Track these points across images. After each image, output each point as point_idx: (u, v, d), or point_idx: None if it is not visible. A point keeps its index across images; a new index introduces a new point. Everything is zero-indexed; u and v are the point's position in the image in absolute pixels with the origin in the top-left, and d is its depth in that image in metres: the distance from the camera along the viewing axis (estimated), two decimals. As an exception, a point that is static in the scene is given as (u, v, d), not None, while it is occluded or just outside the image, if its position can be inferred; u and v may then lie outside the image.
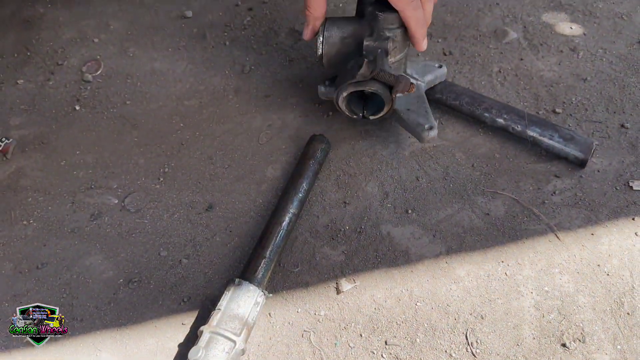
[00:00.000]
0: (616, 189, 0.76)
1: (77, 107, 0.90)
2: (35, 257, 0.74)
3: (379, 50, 0.74)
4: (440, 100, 0.84)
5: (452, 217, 0.75)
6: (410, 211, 0.76)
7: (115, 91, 0.92)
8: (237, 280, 0.65)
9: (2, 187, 0.81)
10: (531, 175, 0.78)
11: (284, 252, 0.72)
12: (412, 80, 0.78)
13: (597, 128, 0.83)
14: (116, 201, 0.79)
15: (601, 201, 0.75)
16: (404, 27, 0.76)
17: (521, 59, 0.93)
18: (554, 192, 0.76)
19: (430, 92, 0.84)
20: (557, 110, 0.85)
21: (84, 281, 0.72)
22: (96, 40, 0.99)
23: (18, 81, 0.94)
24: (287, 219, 0.71)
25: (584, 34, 0.96)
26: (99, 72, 0.94)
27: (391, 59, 0.77)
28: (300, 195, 0.74)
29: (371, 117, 0.79)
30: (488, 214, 0.75)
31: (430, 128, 0.77)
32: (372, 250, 0.72)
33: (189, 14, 1.02)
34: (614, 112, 0.85)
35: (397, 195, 0.78)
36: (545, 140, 0.78)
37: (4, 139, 0.85)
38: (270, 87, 0.91)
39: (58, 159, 0.84)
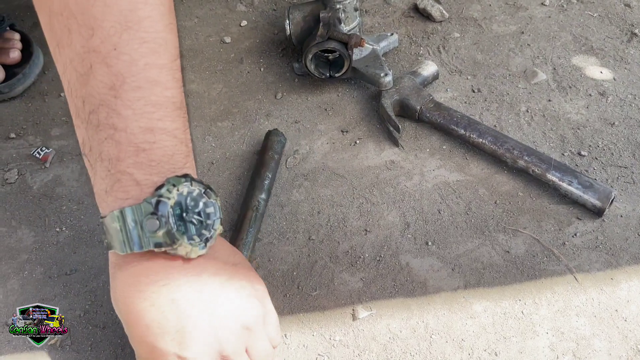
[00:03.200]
0: (638, 234, 0.76)
1: (115, 122, 0.93)
2: (65, 263, 0.77)
3: (333, 18, 0.90)
4: (464, 137, 0.86)
5: (472, 252, 0.76)
6: (430, 243, 0.77)
7: (152, 109, 0.95)
8: None
9: (39, 194, 0.84)
10: (553, 216, 0.79)
11: (303, 274, 0.74)
12: (362, 37, 0.91)
13: (622, 173, 0.83)
14: (145, 215, 0.82)
15: (622, 246, 0.75)
16: None
17: (549, 100, 0.94)
18: (575, 234, 0.77)
19: (455, 128, 0.86)
20: (582, 153, 0.86)
21: (109, 290, 0.74)
22: (138, 59, 1.04)
23: (61, 94, 0.98)
24: (257, 203, 0.78)
25: (614, 79, 0.97)
26: (138, 90, 0.98)
27: (346, 28, 0.93)
28: (266, 182, 0.81)
29: (336, 75, 0.93)
30: (508, 252, 0.76)
31: (386, 75, 0.90)
32: (390, 280, 0.74)
33: (228, 39, 1.06)
34: (641, 158, 0.85)
35: (418, 226, 0.79)
36: (564, 185, 0.78)
37: (44, 148, 0.89)
38: (300, 113, 0.94)
39: (93, 170, 0.87)
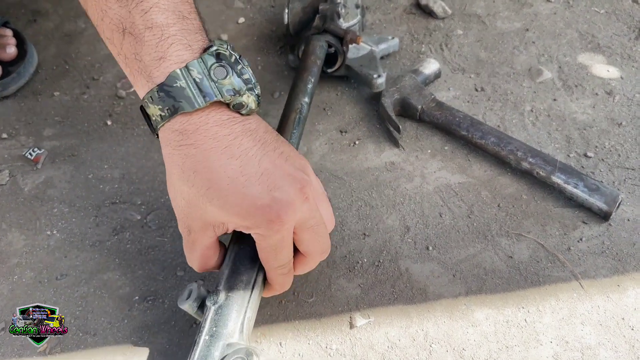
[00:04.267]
0: (646, 239, 0.74)
1: (109, 122, 0.91)
2: (55, 267, 0.75)
3: (332, 11, 0.89)
4: (466, 137, 0.83)
5: (474, 258, 0.74)
6: (431, 248, 0.75)
7: (147, 108, 0.93)
8: None
9: (30, 196, 0.82)
10: (558, 220, 0.76)
11: (299, 280, 0.72)
12: (361, 34, 0.92)
13: (630, 175, 0.81)
14: (139, 217, 0.80)
15: (629, 251, 0.73)
16: None
17: (554, 100, 0.91)
18: (581, 239, 0.74)
19: (457, 128, 0.83)
20: (588, 154, 0.83)
21: (100, 295, 0.72)
22: (133, 57, 1.01)
23: (54, 93, 0.96)
24: (301, 106, 0.77)
25: (621, 78, 0.94)
26: (132, 89, 0.96)
27: (345, 24, 0.91)
28: (309, 86, 0.80)
29: (329, 71, 0.91)
30: (511, 257, 0.73)
31: (379, 76, 0.88)
32: (389, 286, 0.71)
33: (225, 37, 1.04)
34: (649, 160, 0.82)
35: (418, 230, 0.77)
36: (570, 188, 0.76)
37: (36, 149, 0.87)
38: (298, 113, 0.92)
39: (86, 172, 0.85)
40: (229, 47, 0.54)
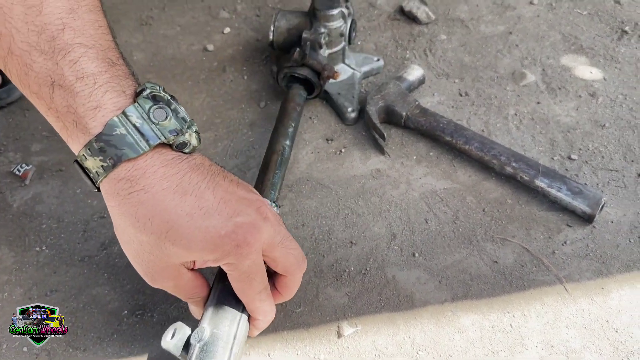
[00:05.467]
0: (630, 241, 0.74)
1: (96, 136, 0.92)
2: (45, 284, 0.76)
3: (314, 42, 0.90)
4: (450, 143, 0.84)
5: (460, 263, 0.74)
6: (417, 255, 0.75)
7: (134, 121, 0.94)
8: None
9: (18, 213, 0.83)
10: (542, 223, 0.77)
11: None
12: (336, 69, 0.92)
13: (613, 177, 0.81)
14: (127, 231, 0.80)
15: (613, 253, 0.73)
16: (338, 22, 0.91)
17: (538, 103, 0.92)
18: (565, 242, 0.75)
19: (442, 134, 0.84)
20: (572, 156, 0.84)
21: (90, 311, 0.73)
22: (119, 70, 1.02)
23: (42, 108, 0.96)
24: (282, 148, 0.79)
25: (604, 79, 0.95)
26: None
27: (328, 50, 0.93)
28: (290, 130, 0.82)
29: (306, 97, 0.91)
30: (496, 262, 0.74)
31: (352, 111, 0.90)
32: (376, 294, 0.72)
33: (211, 47, 1.05)
34: (632, 161, 0.83)
35: (404, 237, 0.77)
36: (553, 192, 0.77)
37: (23, 165, 0.87)
38: (284, 122, 0.92)
39: (74, 186, 0.86)
40: (160, 88, 0.53)
